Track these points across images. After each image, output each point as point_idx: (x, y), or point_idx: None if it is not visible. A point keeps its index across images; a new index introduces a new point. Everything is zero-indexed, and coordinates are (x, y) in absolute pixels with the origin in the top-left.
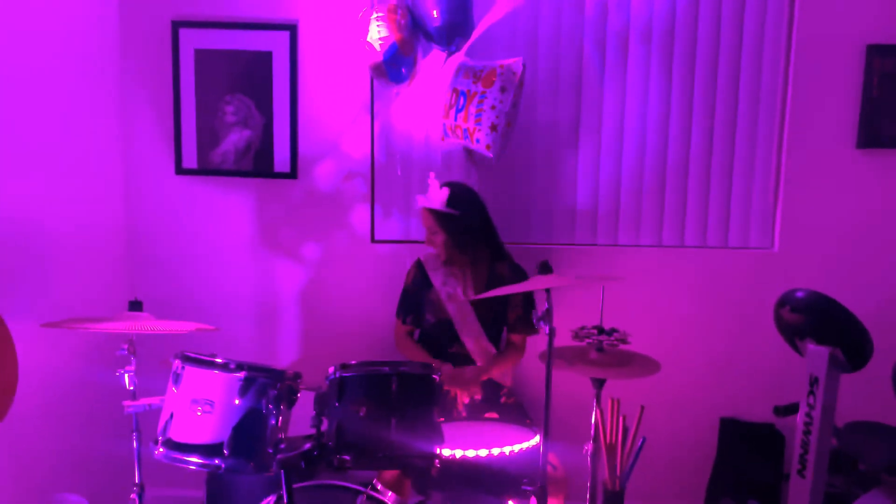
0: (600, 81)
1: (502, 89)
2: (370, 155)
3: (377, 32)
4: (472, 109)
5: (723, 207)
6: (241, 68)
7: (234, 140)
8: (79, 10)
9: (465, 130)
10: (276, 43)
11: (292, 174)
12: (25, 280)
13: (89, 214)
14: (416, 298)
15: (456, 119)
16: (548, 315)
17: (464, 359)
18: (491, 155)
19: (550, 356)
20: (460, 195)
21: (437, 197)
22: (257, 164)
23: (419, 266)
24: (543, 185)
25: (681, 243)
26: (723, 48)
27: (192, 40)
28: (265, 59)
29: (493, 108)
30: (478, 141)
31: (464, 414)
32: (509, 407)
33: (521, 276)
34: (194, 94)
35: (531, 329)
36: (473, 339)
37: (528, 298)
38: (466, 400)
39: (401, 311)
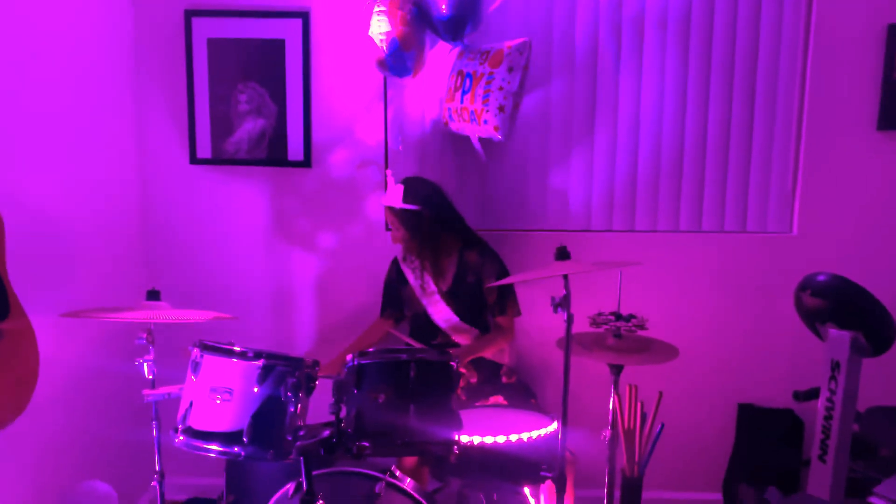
0: (616, 66)
1: (510, 69)
2: (384, 142)
3: (378, 27)
4: (480, 91)
5: (741, 191)
6: (254, 57)
7: (248, 129)
8: (93, 1)
9: (473, 112)
10: (288, 31)
11: (306, 162)
12: (44, 271)
13: (105, 205)
14: (394, 294)
15: (462, 101)
16: (565, 301)
17: (449, 347)
18: (500, 136)
19: (569, 342)
20: (417, 190)
21: (394, 194)
22: (271, 152)
23: (394, 262)
24: (559, 171)
25: (698, 228)
26: (740, 30)
27: (205, 29)
28: (278, 47)
29: (500, 88)
30: (485, 122)
31: (463, 398)
32: (512, 386)
33: (493, 259)
34: (208, 84)
35: (511, 310)
36: (452, 329)
37: (503, 280)
38: (462, 382)
39: (381, 304)
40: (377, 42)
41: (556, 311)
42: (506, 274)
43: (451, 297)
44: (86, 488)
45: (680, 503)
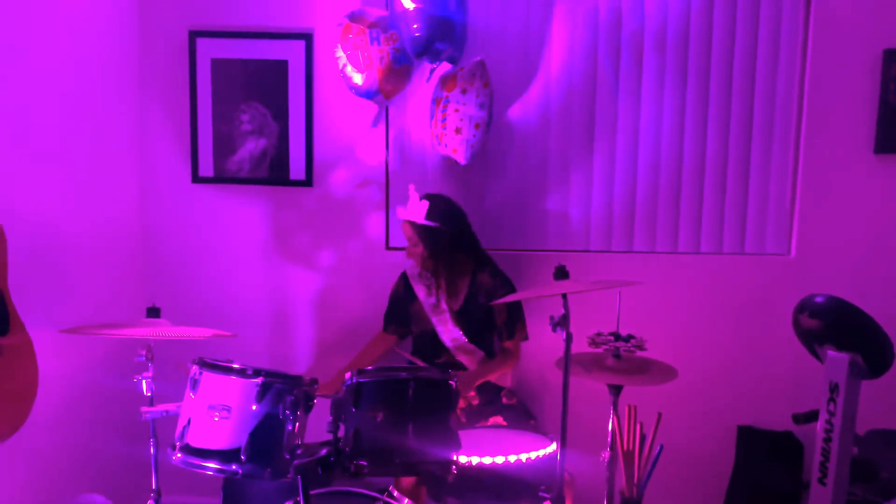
0: (615, 87)
1: (463, 91)
2: (385, 162)
3: (352, 73)
4: (439, 115)
5: (739, 213)
6: (257, 77)
7: (250, 148)
8: (99, 20)
9: (437, 136)
10: (291, 52)
11: (307, 182)
12: (44, 287)
13: (107, 222)
14: (401, 310)
15: (431, 126)
16: (564, 320)
17: (453, 367)
18: (460, 160)
19: (568, 361)
20: (440, 207)
21: (417, 209)
22: (273, 171)
23: (404, 278)
24: (558, 192)
25: (697, 249)
26: (738, 53)
27: (208, 50)
28: (281, 67)
29: (456, 111)
30: (446, 145)
31: (463, 419)
32: (512, 408)
33: (504, 282)
34: (211, 103)
35: (519, 334)
36: (458, 349)
37: (514, 304)
38: (463, 404)
39: (385, 319)
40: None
41: (554, 330)
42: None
43: (461, 317)
44: (84, 501)
45: None
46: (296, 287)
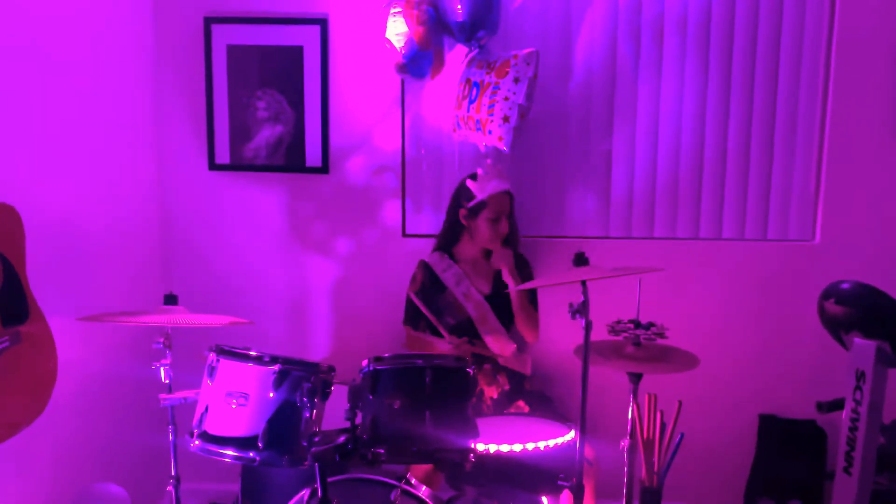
0: (635, 72)
1: (515, 80)
2: (401, 149)
3: (395, 28)
4: (486, 100)
5: (762, 199)
6: (272, 63)
7: (266, 135)
8: (113, 8)
9: (478, 121)
10: (307, 37)
11: (324, 169)
12: (62, 276)
13: (124, 210)
14: (427, 303)
15: (468, 110)
16: (584, 308)
17: (484, 360)
18: (504, 147)
19: (587, 349)
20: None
21: (501, 181)
22: (289, 158)
23: (426, 268)
24: (577, 177)
25: (719, 236)
26: (761, 36)
27: (224, 36)
28: (296, 53)
29: (506, 99)
30: (490, 132)
31: (490, 409)
32: (534, 394)
33: (525, 264)
34: (227, 90)
35: (535, 304)
36: (494, 336)
37: (533, 291)
38: (495, 395)
39: (409, 319)
40: (394, 44)
41: (573, 317)
42: (531, 273)
43: (491, 303)
44: (99, 490)
45: None
46: (312, 274)
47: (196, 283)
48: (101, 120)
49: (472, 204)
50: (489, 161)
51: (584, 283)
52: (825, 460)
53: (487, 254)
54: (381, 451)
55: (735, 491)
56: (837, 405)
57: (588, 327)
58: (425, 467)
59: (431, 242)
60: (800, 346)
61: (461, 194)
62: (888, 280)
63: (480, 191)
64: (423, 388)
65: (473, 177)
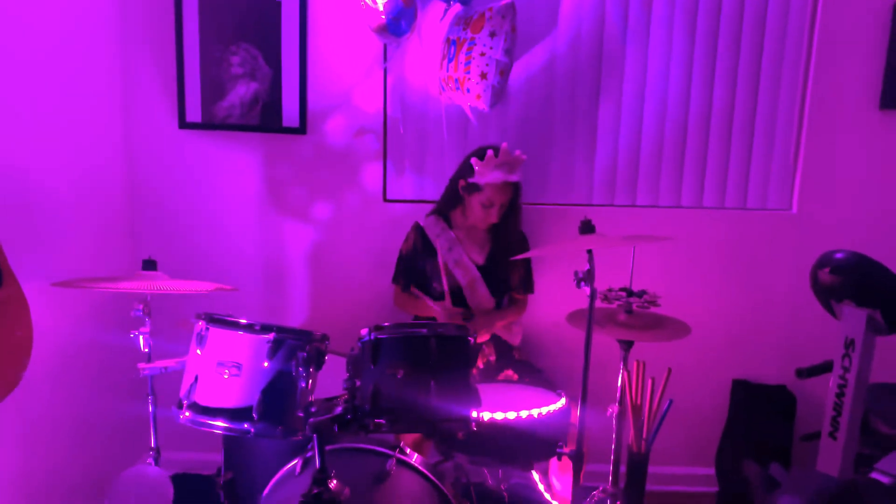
0: (622, 40)
1: (492, 34)
2: (383, 110)
3: None
4: (462, 57)
5: (743, 168)
6: (247, 16)
7: (241, 93)
8: None
9: (457, 80)
10: None
11: (301, 129)
12: (32, 240)
13: (91, 170)
14: (417, 265)
15: (447, 69)
16: (589, 276)
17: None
18: (484, 106)
19: (591, 318)
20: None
21: (515, 168)
22: (264, 118)
23: (419, 231)
24: (563, 145)
25: (699, 204)
26: (747, 6)
27: None
28: (274, 6)
29: (482, 54)
30: (468, 90)
31: (477, 375)
32: (522, 363)
33: (522, 238)
34: (198, 44)
35: (531, 288)
36: (482, 306)
37: (528, 259)
38: (481, 364)
39: (399, 277)
40: (377, 3)
41: (579, 285)
42: (527, 250)
43: (484, 273)
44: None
45: (677, 478)
46: (290, 239)
47: (167, 247)
48: (64, 76)
49: (469, 181)
50: (504, 146)
51: (590, 251)
52: (794, 422)
53: (493, 226)
54: (383, 421)
55: (707, 452)
56: (816, 370)
57: (593, 295)
58: (416, 435)
59: (414, 207)
60: (773, 314)
61: (466, 166)
62: (865, 250)
63: (479, 175)
64: (428, 357)
65: (482, 154)
